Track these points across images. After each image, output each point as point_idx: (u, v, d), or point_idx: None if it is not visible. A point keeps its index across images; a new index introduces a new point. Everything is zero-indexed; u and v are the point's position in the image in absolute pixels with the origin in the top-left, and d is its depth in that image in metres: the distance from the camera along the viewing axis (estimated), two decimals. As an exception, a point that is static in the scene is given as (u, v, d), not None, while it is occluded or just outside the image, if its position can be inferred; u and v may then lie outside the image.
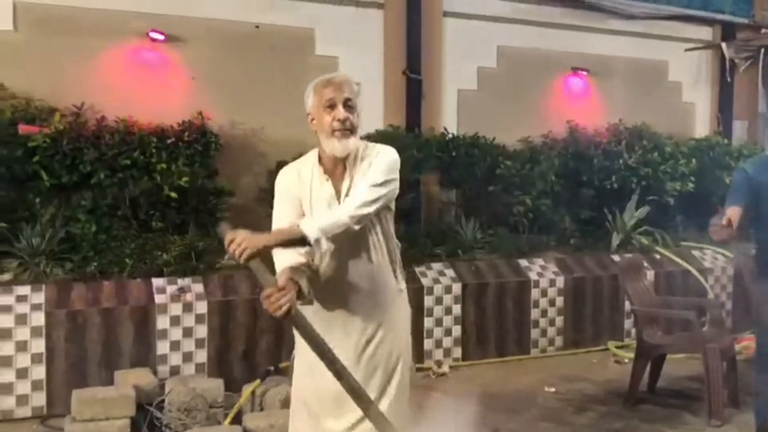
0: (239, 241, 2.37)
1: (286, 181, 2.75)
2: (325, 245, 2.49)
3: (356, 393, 2.53)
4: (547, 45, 7.70)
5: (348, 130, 2.63)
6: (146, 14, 6.01)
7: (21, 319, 4.63)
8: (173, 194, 5.51)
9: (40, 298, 4.74)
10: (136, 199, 5.55)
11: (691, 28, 8.59)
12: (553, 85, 7.83)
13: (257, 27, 6.44)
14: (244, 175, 6.41)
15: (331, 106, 2.63)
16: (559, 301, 6.29)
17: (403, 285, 2.88)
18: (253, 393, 4.56)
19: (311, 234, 2.45)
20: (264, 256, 2.47)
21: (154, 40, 6.04)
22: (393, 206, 2.80)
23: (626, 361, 5.76)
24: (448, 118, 7.19)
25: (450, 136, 6.90)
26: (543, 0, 7.67)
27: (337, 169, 2.70)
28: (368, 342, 2.75)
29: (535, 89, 7.69)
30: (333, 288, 2.72)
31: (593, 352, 6.28)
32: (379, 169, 2.65)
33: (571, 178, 7.12)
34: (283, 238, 2.49)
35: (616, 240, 6.92)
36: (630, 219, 7.00)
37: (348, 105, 2.65)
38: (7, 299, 4.68)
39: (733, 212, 3.52)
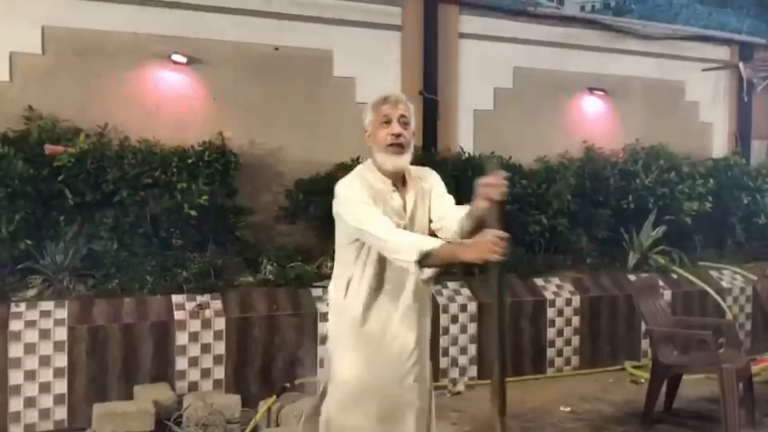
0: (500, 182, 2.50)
1: (358, 185, 2.76)
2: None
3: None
4: (563, 65, 7.75)
5: (401, 145, 2.74)
6: (169, 37, 6.16)
7: (44, 334, 4.74)
8: (193, 212, 5.60)
9: (63, 313, 4.86)
10: (157, 217, 5.65)
11: (708, 48, 8.61)
12: (569, 105, 7.88)
13: (276, 49, 6.57)
14: (263, 194, 6.51)
15: (387, 122, 2.75)
16: (576, 320, 6.29)
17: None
18: (269, 409, 4.61)
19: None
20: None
21: (176, 62, 6.19)
22: None
23: (643, 381, 5.73)
24: (464, 138, 7.26)
25: (466, 155, 6.96)
26: (559, 21, 7.74)
27: (399, 182, 2.83)
28: (413, 355, 2.88)
29: (551, 109, 7.74)
30: (391, 303, 2.82)
31: (610, 372, 6.26)
32: (444, 189, 2.91)
33: (587, 198, 7.13)
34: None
35: (632, 259, 6.91)
36: (647, 239, 6.99)
37: (402, 121, 2.76)
38: (31, 314, 4.80)
39: None
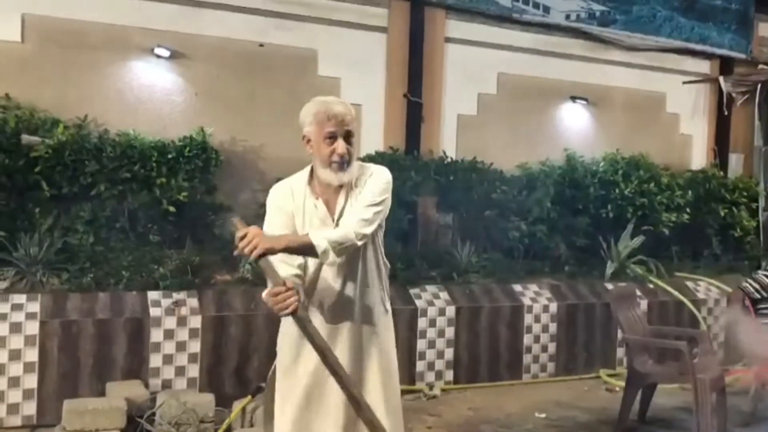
0: (251, 237, 2.42)
1: (279, 197, 2.81)
2: (332, 257, 2.55)
3: (356, 401, 2.56)
4: (547, 73, 7.79)
5: (346, 162, 2.71)
6: (152, 30, 6.09)
7: (15, 328, 4.64)
8: (172, 208, 5.55)
9: (35, 307, 4.76)
10: (135, 212, 5.59)
11: (690, 61, 8.71)
12: (552, 113, 7.92)
13: (261, 46, 6.53)
14: (243, 192, 6.45)
15: (332, 138, 2.70)
16: (552, 327, 6.31)
17: (388, 306, 2.93)
18: (243, 409, 4.56)
19: (321, 244, 2.52)
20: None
21: (159, 56, 6.12)
22: (383, 224, 2.86)
23: (617, 389, 5.76)
24: (447, 142, 7.26)
25: (448, 159, 6.96)
26: (545, 29, 7.77)
27: (330, 189, 2.77)
28: (358, 359, 2.78)
29: (534, 117, 7.77)
30: (323, 304, 2.77)
31: (585, 380, 6.29)
32: (374, 189, 2.72)
33: (567, 206, 7.16)
34: (291, 244, 2.55)
35: (610, 268, 6.96)
36: (625, 248, 7.04)
37: (348, 137, 2.73)
38: (2, 307, 4.69)
39: None
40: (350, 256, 2.70)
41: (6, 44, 5.70)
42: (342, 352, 2.74)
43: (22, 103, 5.61)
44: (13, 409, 4.62)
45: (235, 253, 2.48)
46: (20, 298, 4.78)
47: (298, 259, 2.68)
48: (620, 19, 8.08)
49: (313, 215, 2.77)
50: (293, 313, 2.46)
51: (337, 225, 2.75)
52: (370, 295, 2.82)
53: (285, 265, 2.65)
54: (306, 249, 2.56)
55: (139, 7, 6.05)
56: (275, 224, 2.77)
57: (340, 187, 2.77)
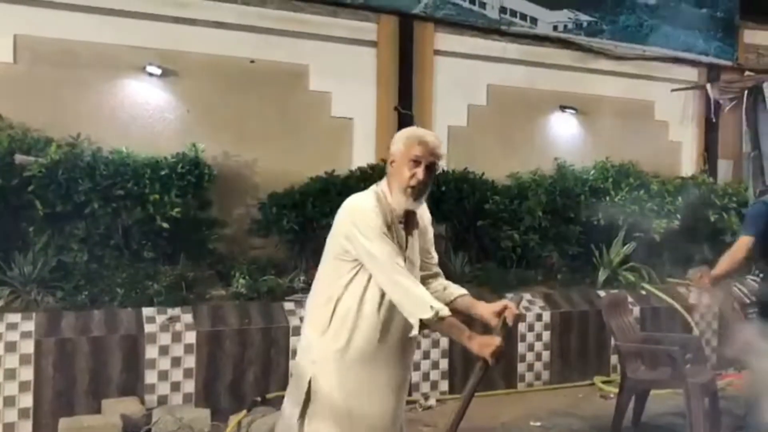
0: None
1: (377, 215, 2.74)
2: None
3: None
4: (536, 84, 7.88)
5: (422, 192, 2.76)
6: (143, 49, 6.14)
7: (10, 347, 4.66)
8: (165, 225, 5.57)
9: (29, 326, 4.78)
10: (129, 229, 5.60)
11: (677, 69, 8.81)
12: (541, 122, 8.00)
13: (252, 62, 6.59)
14: (237, 207, 6.50)
15: (416, 163, 2.72)
16: (546, 335, 6.35)
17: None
18: (239, 423, 4.59)
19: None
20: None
21: (150, 74, 6.17)
22: None
23: (612, 396, 5.79)
24: (438, 154, 7.29)
25: (439, 170, 6.99)
26: (533, 41, 7.86)
27: (405, 216, 2.84)
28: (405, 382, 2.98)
29: (524, 127, 7.85)
30: (394, 327, 2.82)
31: (580, 387, 6.32)
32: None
33: (558, 214, 7.22)
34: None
35: (602, 276, 7.01)
36: (616, 255, 7.10)
37: (430, 168, 2.74)
38: (-3, 327, 4.72)
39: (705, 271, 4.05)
40: None
41: (-1, 65, 5.76)
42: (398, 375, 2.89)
43: (15, 123, 5.64)
44: (8, 428, 4.63)
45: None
46: (15, 317, 4.80)
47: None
48: (607, 29, 8.18)
49: (397, 240, 2.78)
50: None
51: (407, 258, 2.79)
52: (407, 330, 2.85)
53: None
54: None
55: (130, 25, 6.11)
56: (393, 242, 2.75)
57: (409, 216, 2.83)
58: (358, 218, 2.73)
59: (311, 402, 2.82)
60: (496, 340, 2.68)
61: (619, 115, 8.40)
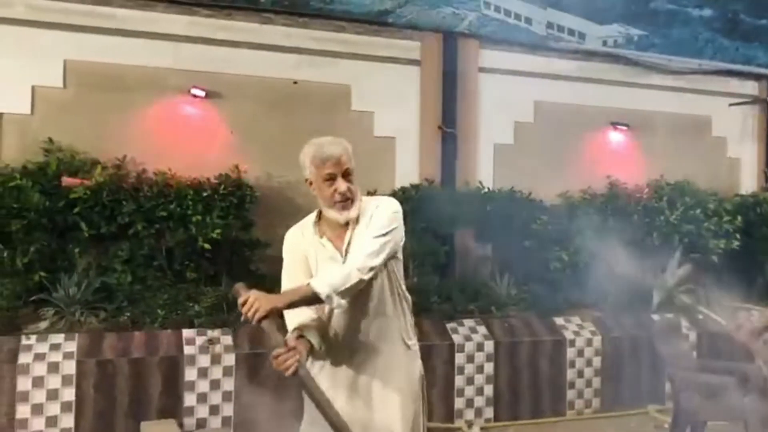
0: (251, 302, 2.48)
1: (292, 241, 2.86)
2: (336, 301, 2.52)
3: None
4: (585, 100, 7.67)
5: (349, 199, 2.73)
6: (188, 71, 6.22)
7: (53, 368, 4.71)
8: (207, 246, 5.59)
9: (72, 347, 4.83)
10: (172, 250, 5.65)
11: (735, 82, 8.46)
12: (591, 140, 7.77)
13: (295, 83, 6.60)
14: (279, 227, 6.32)
15: (331, 179, 2.72)
16: (597, 361, 6.10)
17: (412, 342, 2.85)
18: (275, 449, 4.51)
19: (322, 291, 2.50)
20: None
21: (195, 96, 6.24)
22: (400, 256, 2.84)
23: (666, 426, 5.50)
24: (483, 173, 7.17)
25: (485, 190, 6.87)
26: (581, 56, 7.67)
27: (339, 227, 2.77)
28: (373, 401, 2.72)
29: (573, 144, 7.63)
30: (341, 343, 2.73)
31: (632, 416, 6.03)
32: (380, 220, 2.70)
33: (610, 235, 6.97)
34: (294, 298, 2.56)
35: (656, 298, 6.68)
36: (672, 277, 6.78)
37: (347, 175, 2.74)
38: (41, 347, 4.78)
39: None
40: (361, 292, 2.65)
41: (49, 90, 5.91)
42: (355, 395, 2.70)
43: (64, 146, 5.77)
44: (51, 448, 4.67)
45: (242, 318, 2.53)
46: (58, 338, 4.86)
47: None
48: (659, 42, 7.92)
49: (322, 254, 2.77)
50: (295, 374, 2.48)
51: (345, 261, 2.71)
52: (387, 330, 2.78)
53: (303, 308, 2.64)
54: (311, 299, 2.56)
55: (174, 49, 6.20)
56: (291, 271, 2.81)
57: (347, 224, 2.75)
58: None
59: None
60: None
61: (674, 132, 8.10)
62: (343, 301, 2.57)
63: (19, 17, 5.85)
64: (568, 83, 7.60)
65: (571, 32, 7.56)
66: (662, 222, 7.01)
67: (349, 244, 2.74)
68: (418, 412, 2.85)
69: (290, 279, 2.78)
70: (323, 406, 2.52)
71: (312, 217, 2.89)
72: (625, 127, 7.82)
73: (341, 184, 2.72)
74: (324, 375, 2.73)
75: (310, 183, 2.81)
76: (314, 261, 2.77)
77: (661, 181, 7.45)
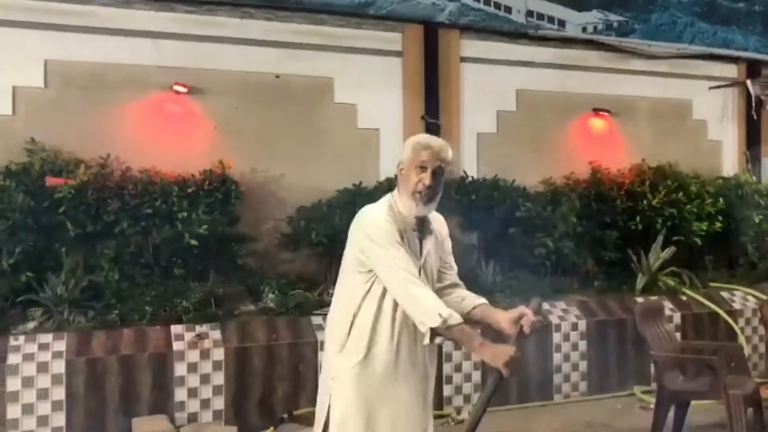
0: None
1: (388, 223, 2.77)
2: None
3: None
4: (567, 87, 7.72)
5: (429, 196, 2.76)
6: (170, 68, 6.20)
7: (42, 367, 4.73)
8: (194, 242, 5.60)
9: (61, 346, 4.85)
10: (159, 247, 5.66)
11: (715, 66, 8.53)
12: (574, 126, 7.82)
13: (277, 77, 6.60)
14: (265, 222, 6.50)
15: (422, 168, 2.74)
16: (582, 345, 6.18)
17: None
18: (266, 441, 4.57)
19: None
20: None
21: (177, 92, 6.23)
22: None
23: (652, 406, 5.58)
24: (467, 162, 7.22)
25: (469, 179, 6.92)
26: (562, 43, 7.71)
27: (420, 223, 2.85)
28: (426, 391, 2.95)
29: (555, 131, 7.69)
30: (409, 336, 2.82)
31: (619, 398, 6.13)
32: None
33: (594, 220, 7.05)
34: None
35: (641, 282, 6.80)
36: (655, 260, 6.89)
37: (437, 173, 2.75)
38: (30, 347, 4.80)
39: None
40: None
41: (31, 90, 5.88)
42: (417, 381, 2.86)
43: (47, 146, 5.75)
44: (42, 447, 4.70)
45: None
46: (47, 338, 4.88)
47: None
48: (639, 28, 7.98)
49: (411, 247, 2.79)
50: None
51: (423, 265, 2.80)
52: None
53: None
54: None
55: (155, 46, 6.18)
56: (403, 249, 2.74)
57: (424, 224, 2.84)
58: (370, 229, 2.75)
59: (331, 420, 2.82)
60: (510, 350, 2.59)
61: (655, 116, 8.17)
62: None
63: (-2, 17, 5.82)
64: (550, 71, 7.64)
65: (551, 20, 7.59)
66: (645, 206, 7.09)
67: (428, 252, 2.83)
68: None
69: (410, 261, 2.72)
70: (483, 411, 2.73)
71: (392, 203, 2.84)
72: (606, 113, 7.88)
73: (429, 177, 2.74)
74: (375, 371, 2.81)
75: (401, 170, 2.82)
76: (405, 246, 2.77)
77: (643, 165, 7.53)
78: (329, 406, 2.83)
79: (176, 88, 6.23)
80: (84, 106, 5.99)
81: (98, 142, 5.90)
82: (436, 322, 2.58)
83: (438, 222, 2.96)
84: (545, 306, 6.06)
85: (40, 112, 5.87)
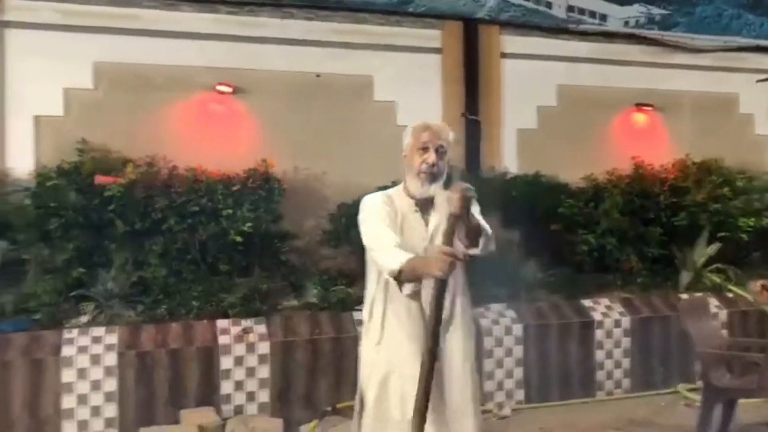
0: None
1: (380, 202, 2.89)
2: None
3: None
4: (609, 82, 7.64)
5: (433, 174, 2.82)
6: (214, 69, 6.35)
7: (95, 360, 4.89)
8: (238, 238, 5.71)
9: (113, 339, 5.00)
10: (204, 244, 5.78)
11: (762, 58, 8.33)
12: (616, 122, 7.74)
13: (318, 76, 6.69)
14: (307, 219, 6.58)
15: (424, 149, 2.82)
16: (626, 342, 6.12)
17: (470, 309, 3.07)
18: (310, 433, 4.64)
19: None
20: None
21: (221, 92, 6.36)
22: None
23: (697, 404, 5.52)
24: (508, 158, 7.21)
25: (510, 175, 6.91)
26: (603, 38, 7.64)
27: (425, 204, 2.89)
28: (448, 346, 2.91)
29: (597, 127, 7.62)
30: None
31: (663, 395, 6.06)
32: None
33: (637, 216, 6.97)
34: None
35: (685, 278, 6.71)
36: (700, 257, 6.78)
37: (440, 151, 2.83)
38: (83, 340, 4.96)
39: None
40: None
41: (81, 92, 6.08)
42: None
43: (97, 146, 5.93)
44: (95, 437, 4.86)
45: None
46: (99, 331, 5.04)
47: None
48: (683, 21, 7.85)
49: (412, 226, 2.87)
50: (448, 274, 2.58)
51: (431, 242, 2.83)
52: (465, 303, 2.98)
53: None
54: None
55: (200, 47, 6.33)
56: (385, 223, 2.82)
57: (433, 204, 2.87)
58: (361, 212, 2.93)
59: (364, 407, 2.94)
60: (435, 249, 2.58)
61: (700, 110, 8.02)
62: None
63: (50, 22, 6.01)
64: (591, 66, 7.58)
65: (593, 14, 7.53)
66: (689, 201, 6.98)
67: (437, 225, 2.83)
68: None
69: (388, 231, 2.79)
70: (437, 327, 2.64)
71: (397, 189, 2.96)
72: (649, 108, 7.78)
73: (432, 155, 2.82)
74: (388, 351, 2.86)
75: (405, 155, 2.91)
76: (399, 227, 2.85)
77: (688, 160, 7.41)
78: (362, 395, 2.98)
79: (220, 88, 6.37)
80: (131, 106, 6.17)
81: (145, 142, 6.06)
82: (391, 267, 2.67)
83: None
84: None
85: (89, 113, 6.07)
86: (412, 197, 2.90)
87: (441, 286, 2.59)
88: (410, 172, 2.88)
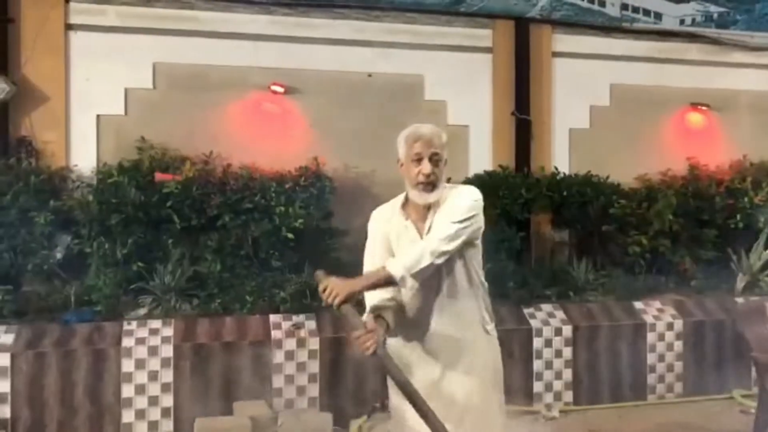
0: (331, 288, 2.65)
1: (378, 221, 3.01)
2: (410, 282, 2.65)
3: None
4: (663, 81, 7.53)
5: (431, 183, 2.83)
6: (267, 69, 6.49)
7: (153, 351, 5.05)
8: (290, 235, 5.82)
9: (169, 331, 5.16)
10: (257, 240, 5.90)
11: (824, 56, 8.09)
12: (670, 121, 7.62)
13: (369, 76, 6.77)
14: (357, 216, 6.54)
15: (419, 160, 2.84)
16: (678, 345, 6.02)
17: (491, 326, 2.95)
18: (359, 428, 4.71)
19: (397, 273, 2.64)
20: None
21: (274, 92, 6.49)
22: (479, 245, 2.92)
23: (752, 411, 5.40)
24: (559, 158, 7.17)
25: (561, 175, 6.86)
26: (658, 36, 7.52)
27: (421, 210, 2.89)
28: (444, 381, 2.86)
29: (651, 126, 7.51)
30: (416, 324, 2.87)
31: (716, 401, 5.94)
32: (459, 207, 2.80)
33: (691, 217, 6.85)
34: (371, 281, 2.73)
35: (741, 282, 6.57)
36: (757, 260, 6.63)
37: (435, 159, 2.84)
38: (141, 332, 5.13)
39: None
40: (437, 276, 2.78)
41: (141, 91, 6.28)
42: (432, 371, 2.84)
43: (155, 144, 6.12)
44: (153, 426, 5.02)
45: (323, 304, 2.70)
46: (156, 324, 5.20)
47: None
48: (741, 19, 7.65)
49: (404, 237, 2.90)
50: (374, 354, 2.61)
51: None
52: (463, 314, 2.88)
53: (378, 291, 2.79)
54: (387, 280, 2.70)
55: (254, 47, 6.48)
56: (373, 250, 2.96)
57: (430, 208, 2.87)
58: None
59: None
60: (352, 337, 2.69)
61: (758, 110, 7.83)
62: (415, 283, 2.70)
63: (111, 24, 6.23)
64: (645, 65, 7.48)
65: (647, 12, 7.41)
66: (746, 203, 6.84)
67: (429, 228, 2.86)
68: (499, 396, 2.97)
69: (372, 258, 2.95)
70: (403, 383, 2.66)
71: (400, 198, 3.02)
72: (705, 108, 7.63)
73: (426, 166, 2.83)
74: (399, 353, 2.86)
75: (401, 165, 2.95)
76: (396, 242, 2.91)
77: (745, 161, 7.26)
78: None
79: (273, 88, 6.50)
80: (188, 105, 6.35)
81: (202, 140, 6.24)
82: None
83: (453, 192, 2.91)
84: (653, 312, 6.03)
85: (149, 112, 6.27)
86: (411, 203, 2.93)
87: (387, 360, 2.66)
88: (409, 184, 2.91)
